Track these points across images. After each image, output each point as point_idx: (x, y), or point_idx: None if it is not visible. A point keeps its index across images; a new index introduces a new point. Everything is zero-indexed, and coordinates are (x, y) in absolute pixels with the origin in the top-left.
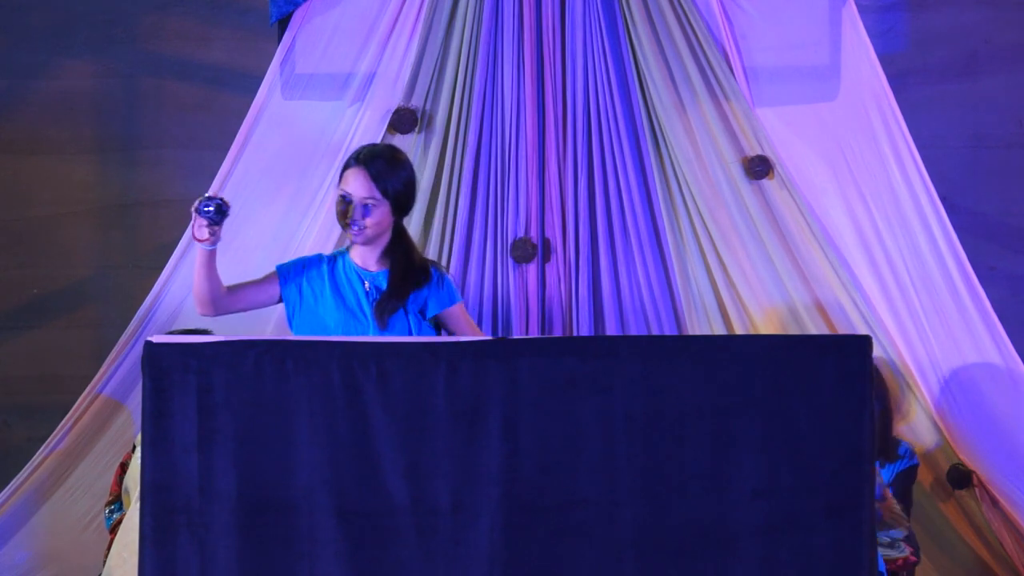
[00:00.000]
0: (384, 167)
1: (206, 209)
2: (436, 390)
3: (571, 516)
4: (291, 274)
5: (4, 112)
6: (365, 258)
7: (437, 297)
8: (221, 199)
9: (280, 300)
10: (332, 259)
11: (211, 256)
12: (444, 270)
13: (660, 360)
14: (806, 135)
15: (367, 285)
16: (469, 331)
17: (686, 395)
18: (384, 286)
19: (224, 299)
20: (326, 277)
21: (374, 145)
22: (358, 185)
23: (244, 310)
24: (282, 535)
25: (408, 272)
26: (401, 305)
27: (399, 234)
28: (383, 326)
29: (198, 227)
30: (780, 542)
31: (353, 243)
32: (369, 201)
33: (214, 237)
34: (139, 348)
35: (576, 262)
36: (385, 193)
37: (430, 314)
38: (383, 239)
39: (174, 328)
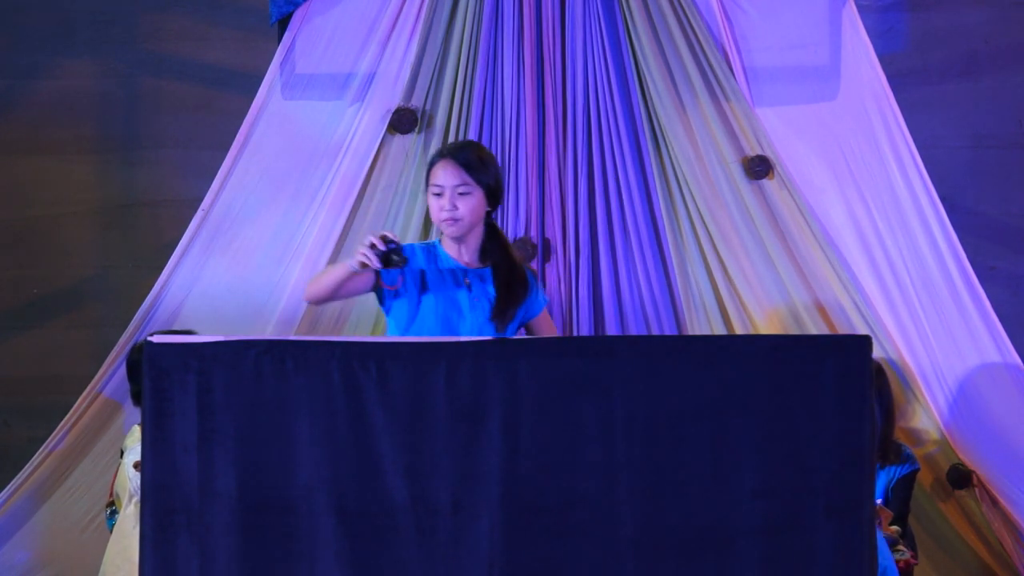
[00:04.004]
0: (473, 156)
1: (396, 260)
2: (436, 390)
3: (571, 516)
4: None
5: (4, 112)
6: (461, 253)
7: (531, 300)
8: (395, 242)
9: (373, 288)
10: (427, 250)
11: (354, 275)
12: (536, 273)
13: (660, 360)
14: (806, 135)
15: (467, 280)
16: (551, 334)
17: (686, 395)
18: (484, 283)
19: (336, 294)
20: (425, 269)
21: (455, 141)
22: (449, 175)
23: (343, 298)
24: (282, 535)
25: (513, 271)
26: (516, 312)
27: (493, 230)
28: (502, 330)
29: (376, 265)
30: (780, 542)
31: (449, 236)
32: (462, 188)
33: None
34: None
35: (576, 262)
36: (478, 180)
37: (526, 320)
38: (477, 232)
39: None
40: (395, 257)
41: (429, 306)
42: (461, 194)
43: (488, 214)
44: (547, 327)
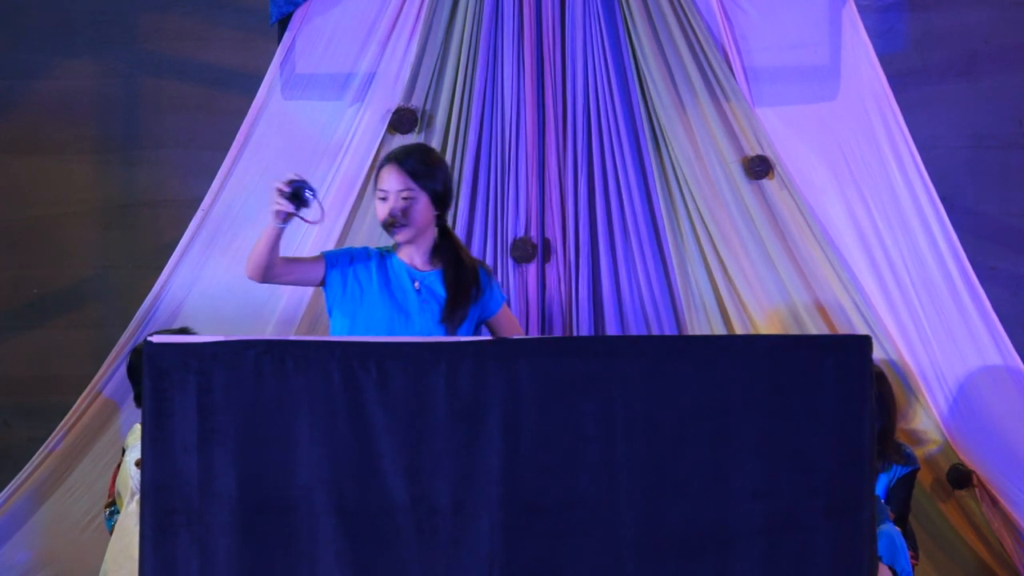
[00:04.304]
0: (418, 162)
1: (308, 195)
2: (436, 390)
3: (571, 516)
4: (337, 262)
5: (4, 112)
6: (413, 257)
7: (487, 299)
8: (302, 180)
9: (322, 284)
10: (380, 255)
11: (282, 232)
12: (491, 271)
13: (660, 360)
14: (806, 135)
15: (417, 285)
16: (513, 331)
17: (686, 395)
18: (435, 287)
19: (276, 268)
20: (374, 272)
21: (405, 145)
22: (393, 180)
23: (291, 284)
24: (282, 535)
25: (461, 274)
26: (467, 312)
27: (445, 233)
28: (453, 332)
29: (292, 210)
30: (780, 542)
31: (397, 242)
32: (406, 193)
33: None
34: None
35: (576, 262)
36: (423, 186)
37: (483, 319)
38: (428, 237)
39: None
40: (305, 193)
41: (375, 307)
42: (405, 199)
43: (440, 217)
44: (508, 323)
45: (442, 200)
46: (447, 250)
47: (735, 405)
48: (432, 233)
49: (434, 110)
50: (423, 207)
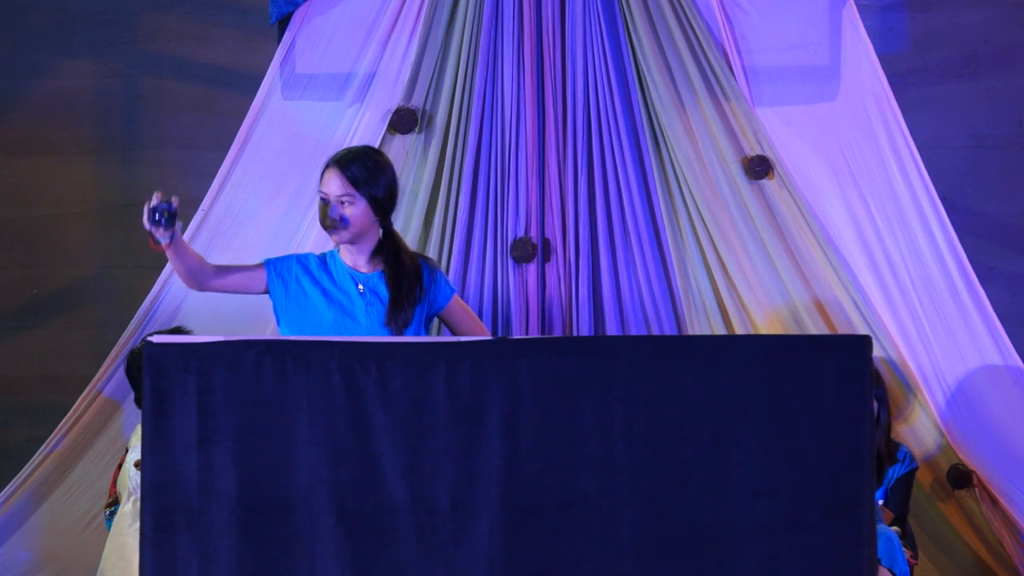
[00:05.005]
0: (358, 167)
1: (160, 217)
2: (436, 390)
3: (571, 516)
4: (278, 269)
5: (4, 112)
6: (355, 259)
7: (433, 295)
8: (168, 203)
9: (266, 291)
10: (322, 259)
11: (175, 249)
12: (435, 264)
13: (660, 360)
14: (806, 135)
15: (360, 287)
16: (469, 321)
17: (686, 395)
18: (379, 288)
19: (207, 275)
20: (316, 276)
21: (352, 147)
22: (333, 184)
23: (232, 292)
24: (282, 535)
25: (400, 273)
26: (412, 313)
27: (388, 234)
28: (399, 332)
29: (160, 235)
30: (780, 542)
31: (337, 243)
32: (344, 199)
33: (173, 238)
34: None
35: (576, 262)
36: (362, 192)
37: (432, 313)
38: (369, 239)
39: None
40: (157, 215)
41: (320, 312)
42: (343, 203)
43: (383, 220)
44: (462, 314)
45: (382, 206)
46: (388, 251)
47: (735, 405)
48: (375, 235)
49: (434, 110)
50: (362, 212)
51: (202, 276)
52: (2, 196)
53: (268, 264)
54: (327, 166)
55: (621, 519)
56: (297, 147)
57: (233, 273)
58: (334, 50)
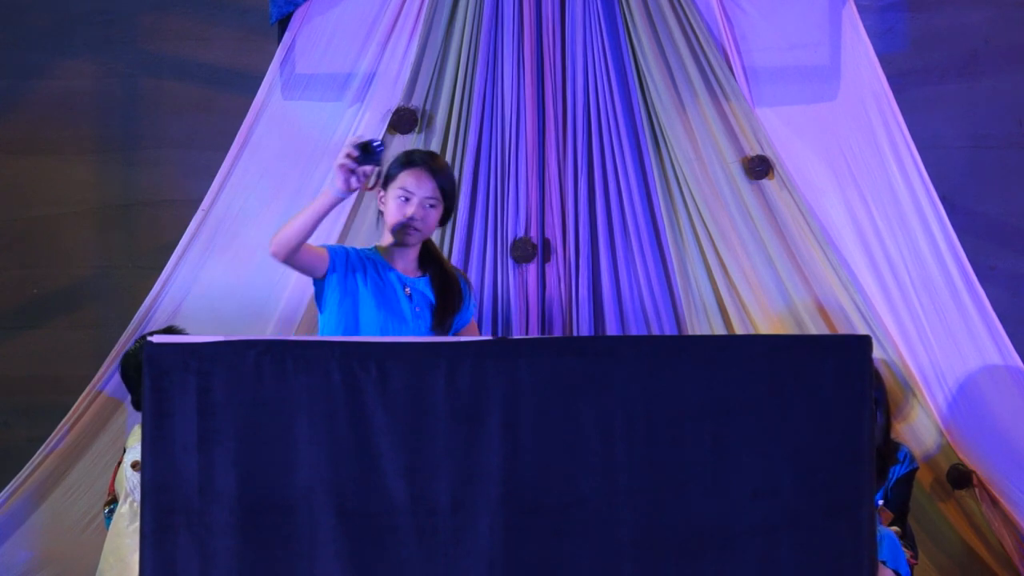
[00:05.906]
0: (448, 177)
1: (379, 147)
2: (436, 390)
3: (571, 516)
4: (339, 262)
5: (4, 112)
6: (404, 263)
7: (466, 307)
8: (380, 142)
9: (322, 277)
10: (368, 258)
11: (336, 205)
12: (470, 283)
13: (660, 360)
14: (806, 135)
15: (408, 291)
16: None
17: (686, 395)
18: (426, 292)
19: (300, 250)
20: (369, 274)
21: (427, 151)
22: (426, 186)
23: (298, 269)
24: (282, 535)
25: (447, 280)
26: (452, 321)
27: (429, 243)
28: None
29: (360, 173)
30: (780, 542)
31: (404, 243)
32: (431, 201)
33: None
34: None
35: (576, 262)
36: (445, 199)
37: (456, 330)
38: (420, 245)
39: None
40: (373, 145)
41: (370, 312)
42: (429, 206)
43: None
44: (471, 331)
45: (450, 215)
46: (433, 259)
47: (735, 405)
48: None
49: (434, 110)
50: (436, 219)
51: (298, 250)
52: (2, 196)
53: (331, 254)
54: (413, 165)
55: (621, 519)
56: (297, 147)
57: (310, 253)
58: (334, 50)
